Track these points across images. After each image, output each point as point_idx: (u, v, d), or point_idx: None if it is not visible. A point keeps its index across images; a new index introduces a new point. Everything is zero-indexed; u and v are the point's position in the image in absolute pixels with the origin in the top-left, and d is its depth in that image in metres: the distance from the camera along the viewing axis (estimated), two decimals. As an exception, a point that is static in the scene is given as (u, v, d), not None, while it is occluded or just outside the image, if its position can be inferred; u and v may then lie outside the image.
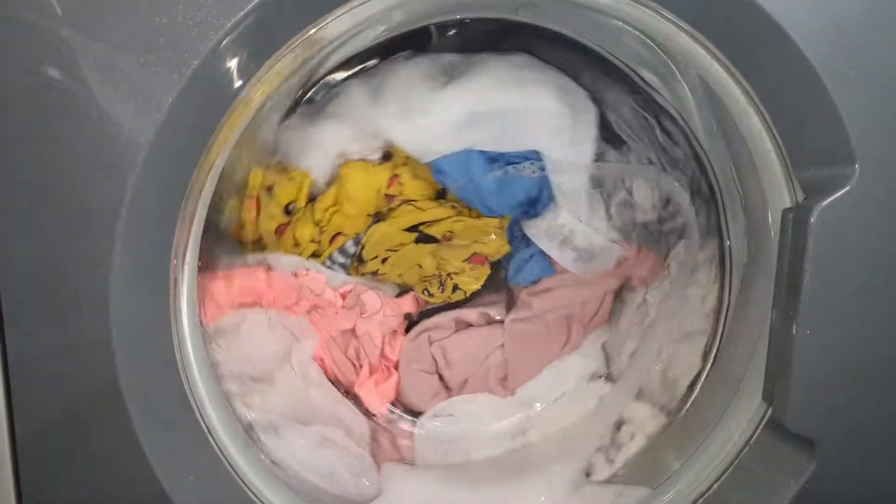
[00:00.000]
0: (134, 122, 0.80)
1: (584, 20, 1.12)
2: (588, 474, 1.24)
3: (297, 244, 1.22)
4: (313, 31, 0.89)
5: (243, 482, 1.01)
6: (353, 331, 1.29)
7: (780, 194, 0.97)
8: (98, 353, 0.85)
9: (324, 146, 1.19)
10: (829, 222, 0.88)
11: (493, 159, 1.20)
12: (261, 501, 1.01)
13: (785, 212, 0.96)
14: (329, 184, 1.22)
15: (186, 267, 0.97)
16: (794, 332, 0.91)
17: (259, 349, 1.20)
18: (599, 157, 1.22)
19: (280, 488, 1.05)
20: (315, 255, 1.25)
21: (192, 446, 0.98)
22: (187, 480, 0.93)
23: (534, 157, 1.20)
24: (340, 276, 1.28)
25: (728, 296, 1.22)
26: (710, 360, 1.23)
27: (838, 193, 0.87)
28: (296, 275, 1.23)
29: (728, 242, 1.23)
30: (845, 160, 0.86)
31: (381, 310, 1.28)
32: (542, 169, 1.21)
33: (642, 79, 1.17)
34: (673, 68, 1.07)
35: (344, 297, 1.27)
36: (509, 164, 1.22)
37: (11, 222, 0.83)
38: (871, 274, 0.90)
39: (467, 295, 1.32)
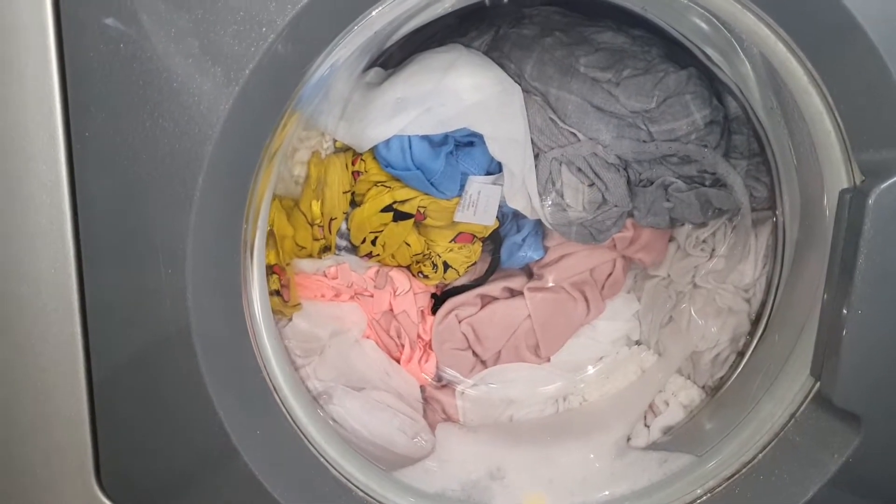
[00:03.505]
0: (212, 93, 0.82)
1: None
2: (628, 439, 1.27)
3: (302, 248, 1.25)
4: (385, 5, 0.90)
5: (306, 438, 1.04)
6: (391, 311, 1.31)
7: (837, 175, 0.97)
8: (173, 303, 0.88)
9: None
10: (886, 205, 0.88)
11: (439, 142, 1.21)
12: (323, 457, 1.05)
13: (842, 193, 0.96)
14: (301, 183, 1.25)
15: (258, 231, 1.00)
16: (846, 311, 0.92)
17: (313, 327, 1.25)
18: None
19: (341, 446, 1.08)
20: (327, 248, 1.28)
21: (259, 401, 1.01)
22: (253, 434, 0.97)
23: (478, 136, 1.20)
24: (361, 260, 1.31)
25: (780, 272, 1.23)
26: (758, 334, 1.25)
27: (897, 177, 0.87)
28: (325, 274, 1.27)
29: (781, 220, 1.23)
30: (906, 144, 0.86)
31: (411, 287, 1.31)
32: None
33: (706, 55, 1.16)
34: (736, 46, 1.07)
35: (374, 279, 1.30)
36: (458, 145, 1.23)
37: (95, 180, 0.86)
38: (926, 258, 0.90)
39: (461, 274, 1.33)
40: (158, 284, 0.88)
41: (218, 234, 0.91)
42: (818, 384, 1.02)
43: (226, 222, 0.92)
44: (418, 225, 1.28)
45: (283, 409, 1.04)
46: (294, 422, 1.04)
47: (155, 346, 0.91)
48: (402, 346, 1.31)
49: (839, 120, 0.94)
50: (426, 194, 1.23)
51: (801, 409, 1.05)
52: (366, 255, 1.29)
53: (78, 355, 0.92)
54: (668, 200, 1.24)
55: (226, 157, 0.85)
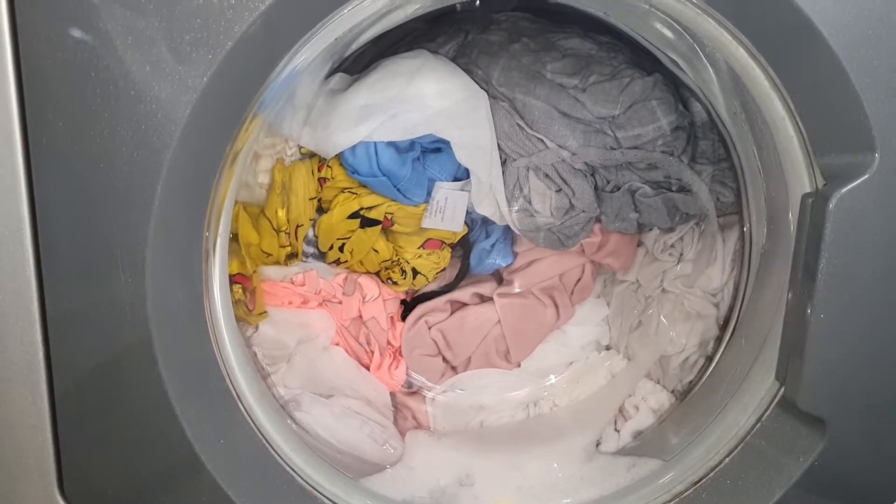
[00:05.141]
0: (170, 101, 0.81)
1: (612, 2, 1.13)
2: (598, 444, 1.28)
3: (268, 255, 1.25)
4: (346, 10, 0.90)
5: (272, 447, 1.03)
6: (360, 317, 1.31)
7: (800, 180, 0.98)
8: (133, 311, 0.87)
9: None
10: (847, 209, 0.88)
11: (406, 149, 1.21)
12: (288, 465, 1.04)
13: (804, 197, 0.96)
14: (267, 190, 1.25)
15: (219, 239, 0.99)
16: (809, 314, 0.92)
17: (280, 335, 1.24)
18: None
19: (308, 454, 1.08)
20: (294, 255, 1.27)
21: (223, 410, 1.00)
22: (217, 443, 0.96)
23: (445, 142, 1.20)
24: (329, 267, 1.30)
25: (746, 278, 1.24)
26: (725, 340, 1.26)
27: (858, 181, 0.87)
28: (293, 281, 1.26)
29: (747, 226, 1.24)
30: (865, 148, 0.87)
31: (380, 293, 1.31)
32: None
33: (672, 61, 1.16)
34: (699, 52, 1.07)
35: (342, 286, 1.30)
36: (424, 151, 1.23)
37: (53, 187, 0.85)
38: (886, 261, 0.90)
39: (430, 280, 1.33)
40: (118, 292, 0.87)
41: (178, 242, 0.91)
42: (783, 389, 1.02)
43: (186, 229, 0.92)
44: (386, 231, 1.28)
45: (248, 418, 1.03)
46: (259, 430, 1.04)
47: (116, 354, 0.90)
48: (372, 352, 1.31)
49: (801, 124, 0.95)
50: (393, 200, 1.23)
51: (767, 413, 1.06)
52: (334, 262, 1.28)
53: (39, 364, 0.91)
54: (635, 206, 1.24)
55: (185, 165, 0.85)
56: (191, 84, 0.81)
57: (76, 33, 0.80)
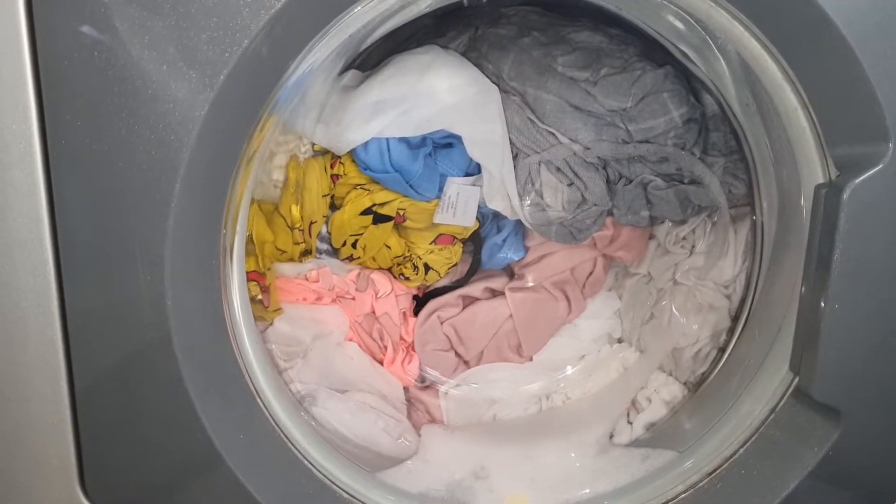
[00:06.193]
0: (188, 99, 0.82)
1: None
2: (611, 436, 1.28)
3: (283, 252, 1.25)
4: (359, 7, 0.91)
5: (290, 441, 1.04)
6: (373, 313, 1.31)
7: (813, 170, 0.98)
8: (153, 309, 0.88)
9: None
10: (860, 199, 0.88)
11: (417, 144, 1.21)
12: (307, 460, 1.05)
13: (818, 188, 0.96)
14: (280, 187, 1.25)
15: (237, 236, 1.00)
16: (823, 305, 0.93)
17: (295, 331, 1.25)
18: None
19: (325, 448, 1.08)
20: (308, 251, 1.28)
21: (242, 406, 1.01)
22: (237, 439, 0.97)
23: (457, 137, 1.20)
24: (342, 263, 1.31)
25: (758, 269, 1.24)
26: (738, 330, 1.26)
27: (871, 171, 0.87)
28: (307, 278, 1.27)
29: (758, 217, 1.24)
30: (879, 138, 0.87)
31: (392, 289, 1.31)
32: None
33: (683, 53, 1.16)
34: (711, 44, 1.07)
35: (355, 282, 1.30)
36: (436, 146, 1.23)
37: (72, 188, 0.86)
38: (900, 251, 0.91)
39: (442, 275, 1.34)
40: (138, 291, 0.88)
41: (196, 240, 0.91)
42: (797, 379, 1.03)
43: (204, 227, 0.92)
44: (398, 227, 1.28)
45: (267, 413, 1.04)
46: (277, 425, 1.04)
47: (136, 352, 0.91)
48: (385, 347, 1.31)
49: (813, 115, 0.95)
50: (405, 196, 1.23)
51: (781, 403, 1.06)
52: (347, 258, 1.29)
53: (59, 363, 0.92)
54: (647, 199, 1.24)
55: (203, 163, 0.85)
56: (207, 82, 0.82)
57: (93, 33, 0.81)
